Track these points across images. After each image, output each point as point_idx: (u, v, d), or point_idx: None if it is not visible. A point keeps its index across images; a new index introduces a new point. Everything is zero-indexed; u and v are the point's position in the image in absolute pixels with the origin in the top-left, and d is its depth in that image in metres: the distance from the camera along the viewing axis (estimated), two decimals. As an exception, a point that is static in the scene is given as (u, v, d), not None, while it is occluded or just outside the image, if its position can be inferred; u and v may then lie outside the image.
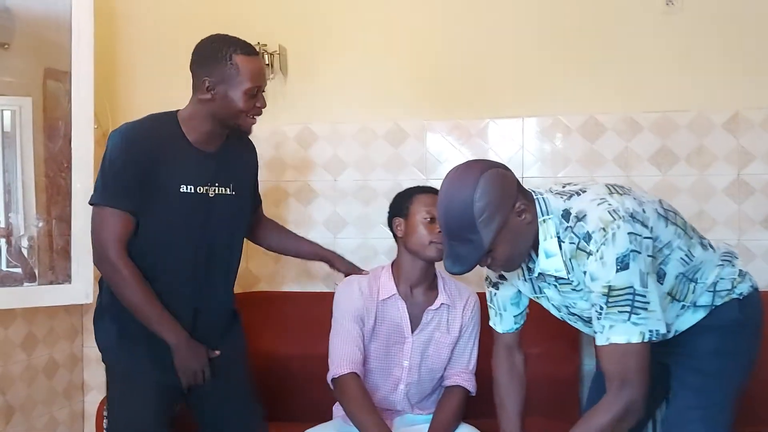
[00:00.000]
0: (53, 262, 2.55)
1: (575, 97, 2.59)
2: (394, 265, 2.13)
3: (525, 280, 1.71)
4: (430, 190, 2.07)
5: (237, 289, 2.13)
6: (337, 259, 2.25)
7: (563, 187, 1.63)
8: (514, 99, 2.64)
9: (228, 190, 1.97)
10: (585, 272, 1.51)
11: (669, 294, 1.59)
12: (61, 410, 2.81)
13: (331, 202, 2.77)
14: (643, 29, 2.54)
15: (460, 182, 1.52)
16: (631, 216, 1.48)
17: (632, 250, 1.45)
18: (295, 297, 2.70)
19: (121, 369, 1.97)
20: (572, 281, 1.58)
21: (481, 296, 2.09)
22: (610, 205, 1.50)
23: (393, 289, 2.07)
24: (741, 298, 1.63)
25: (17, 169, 2.53)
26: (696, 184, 2.52)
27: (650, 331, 1.47)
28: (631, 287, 1.46)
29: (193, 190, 1.90)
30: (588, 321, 1.64)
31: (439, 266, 2.08)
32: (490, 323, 1.87)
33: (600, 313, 1.49)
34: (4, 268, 2.51)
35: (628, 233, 1.46)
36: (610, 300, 1.47)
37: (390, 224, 2.12)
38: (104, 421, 2.25)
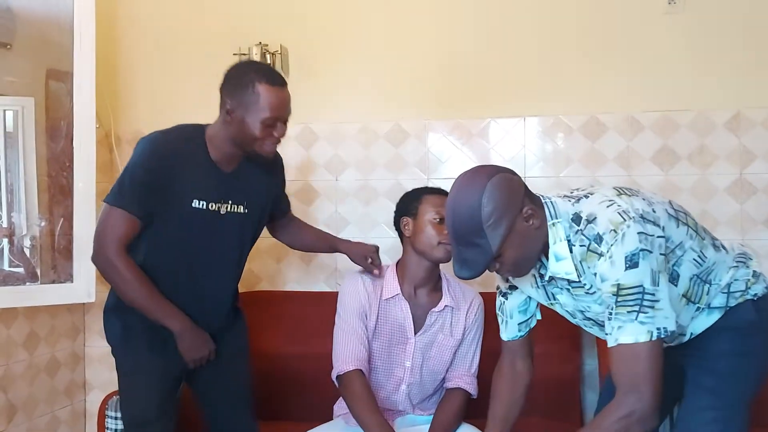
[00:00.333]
0: (55, 261, 2.56)
1: (577, 96, 2.59)
2: (399, 265, 2.13)
3: (537, 287, 1.70)
4: (439, 191, 2.07)
5: (238, 289, 2.13)
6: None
7: (571, 192, 1.63)
8: (515, 98, 2.63)
9: (241, 208, 1.98)
10: (595, 273, 1.51)
11: (684, 296, 1.58)
12: (62, 409, 2.81)
13: (332, 202, 2.77)
14: (644, 29, 2.54)
15: (467, 187, 1.52)
16: (642, 216, 1.47)
17: (642, 249, 1.44)
18: (297, 296, 2.70)
19: (127, 361, 2.00)
20: (584, 284, 1.57)
21: (486, 296, 2.08)
22: (619, 206, 1.49)
23: (396, 289, 2.07)
24: (755, 299, 1.61)
25: (19, 168, 2.54)
26: (698, 183, 2.51)
27: (658, 328, 1.44)
28: (641, 286, 1.44)
29: (205, 206, 1.91)
30: (603, 325, 1.62)
31: (444, 268, 2.08)
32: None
33: (610, 315, 1.48)
34: (6, 267, 2.52)
35: (638, 233, 1.45)
36: (619, 299, 1.46)
37: (397, 223, 2.12)
38: (106, 419, 2.27)
